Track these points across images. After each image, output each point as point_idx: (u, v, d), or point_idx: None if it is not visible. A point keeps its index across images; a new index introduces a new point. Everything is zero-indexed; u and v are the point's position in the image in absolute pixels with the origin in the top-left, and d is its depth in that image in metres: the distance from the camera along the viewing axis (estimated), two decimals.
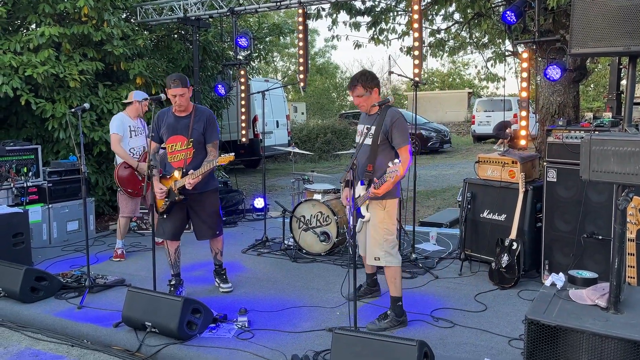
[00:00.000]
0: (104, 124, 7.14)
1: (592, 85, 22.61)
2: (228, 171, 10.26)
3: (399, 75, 5.98)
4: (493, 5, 7.69)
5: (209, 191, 4.49)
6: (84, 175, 4.62)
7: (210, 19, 8.23)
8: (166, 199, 4.32)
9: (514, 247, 4.50)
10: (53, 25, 6.74)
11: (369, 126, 3.77)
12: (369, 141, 3.79)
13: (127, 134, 5.65)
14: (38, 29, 6.77)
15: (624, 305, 2.65)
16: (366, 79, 3.78)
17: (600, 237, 4.20)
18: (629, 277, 3.30)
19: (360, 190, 3.78)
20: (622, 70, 5.76)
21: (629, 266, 3.29)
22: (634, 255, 3.28)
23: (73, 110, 4.75)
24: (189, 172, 4.21)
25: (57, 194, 6.48)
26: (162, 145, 4.48)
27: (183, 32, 9.09)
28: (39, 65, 6.47)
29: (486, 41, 9.74)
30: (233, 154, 4.12)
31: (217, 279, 4.79)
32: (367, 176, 3.76)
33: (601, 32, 3.55)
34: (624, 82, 5.79)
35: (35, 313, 4.23)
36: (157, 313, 3.66)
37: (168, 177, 4.36)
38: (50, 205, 6.38)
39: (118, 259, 5.71)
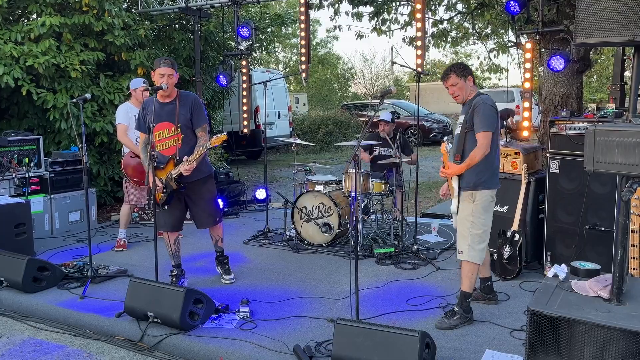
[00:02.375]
0: (105, 115, 7.13)
1: (595, 77, 22.48)
2: (230, 162, 10.25)
3: (401, 65, 5.94)
4: None
5: (204, 178, 4.42)
6: (86, 166, 4.61)
7: (211, 9, 8.19)
8: (164, 190, 4.27)
9: (516, 238, 4.49)
10: (54, 14, 6.71)
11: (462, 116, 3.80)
12: (459, 130, 3.82)
13: (132, 123, 5.64)
14: (39, 18, 6.74)
15: (627, 296, 2.64)
16: (459, 67, 3.78)
17: (602, 229, 4.19)
18: (631, 268, 3.30)
19: (454, 182, 3.79)
20: (626, 61, 5.73)
21: (631, 257, 3.28)
22: (637, 246, 3.28)
23: (74, 100, 4.73)
24: (183, 159, 4.11)
25: (59, 185, 6.47)
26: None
27: (184, 22, 9.04)
28: (40, 55, 6.45)
29: (489, 32, 9.69)
30: (225, 133, 4.03)
31: (219, 269, 4.79)
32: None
33: (606, 22, 3.52)
34: (627, 73, 5.77)
35: (37, 303, 4.25)
36: (159, 303, 3.67)
37: (162, 167, 4.27)
38: (52, 196, 6.38)
39: (120, 249, 5.72)
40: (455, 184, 3.78)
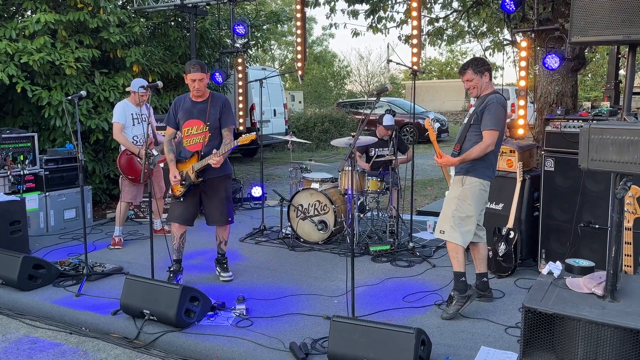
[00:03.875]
0: (100, 112, 7.11)
1: (590, 75, 22.56)
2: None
3: (397, 63, 5.95)
4: None
5: (224, 176, 4.54)
6: (81, 163, 4.61)
7: (207, 6, 8.16)
8: (183, 182, 4.36)
9: (511, 236, 4.51)
10: (49, 11, 6.68)
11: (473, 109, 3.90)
12: (465, 121, 3.93)
13: (129, 122, 5.63)
14: (34, 15, 6.71)
15: (621, 293, 2.66)
16: (476, 64, 3.85)
17: (597, 226, 4.22)
18: (625, 265, 3.32)
19: (452, 169, 3.93)
20: (621, 59, 5.75)
21: (625, 255, 3.30)
22: (630, 243, 3.29)
23: (70, 97, 4.72)
24: (213, 153, 4.22)
25: (54, 182, 6.45)
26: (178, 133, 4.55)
27: (180, 20, 9.01)
28: (35, 52, 6.42)
29: (485, 30, 9.71)
30: (254, 132, 4.20)
31: (217, 268, 4.79)
32: (453, 155, 3.86)
33: (601, 21, 3.53)
34: (622, 71, 5.79)
35: (33, 301, 4.24)
36: (155, 301, 3.67)
37: (185, 161, 4.41)
38: (47, 194, 6.35)
39: (116, 247, 5.71)
40: (452, 171, 3.91)
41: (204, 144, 4.39)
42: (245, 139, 4.13)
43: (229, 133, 4.45)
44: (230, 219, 4.62)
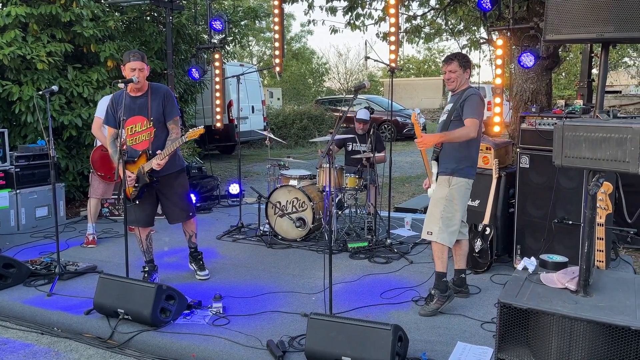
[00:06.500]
0: (74, 108, 6.96)
1: (563, 74, 22.97)
2: (203, 157, 10.13)
3: (375, 60, 5.96)
4: None
5: (176, 172, 4.36)
6: (53, 160, 4.50)
7: (184, 1, 8.05)
8: (136, 184, 4.19)
9: (487, 232, 4.55)
10: (19, 4, 6.51)
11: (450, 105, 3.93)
12: (444, 117, 3.94)
13: None
14: (4, 8, 6.53)
15: (593, 288, 2.70)
16: (463, 58, 3.90)
17: (570, 222, 4.29)
18: (598, 261, 3.38)
19: (434, 167, 3.92)
20: (594, 58, 5.85)
21: (598, 250, 3.36)
22: (603, 239, 3.35)
23: (41, 92, 4.60)
24: (156, 153, 4.05)
25: (25, 179, 6.30)
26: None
27: (156, 14, 8.87)
28: (5, 46, 6.26)
29: (462, 28, 9.79)
30: (203, 127, 3.99)
31: (193, 265, 4.73)
32: (435, 152, 3.86)
33: (575, 19, 3.58)
34: (595, 70, 5.90)
35: (3, 301, 4.13)
36: (129, 300, 3.61)
37: (134, 161, 4.19)
38: (18, 191, 6.20)
39: (89, 245, 5.60)
40: (434, 169, 3.90)
41: (151, 141, 4.18)
42: (193, 133, 3.91)
43: (175, 126, 4.20)
44: (191, 214, 4.49)
